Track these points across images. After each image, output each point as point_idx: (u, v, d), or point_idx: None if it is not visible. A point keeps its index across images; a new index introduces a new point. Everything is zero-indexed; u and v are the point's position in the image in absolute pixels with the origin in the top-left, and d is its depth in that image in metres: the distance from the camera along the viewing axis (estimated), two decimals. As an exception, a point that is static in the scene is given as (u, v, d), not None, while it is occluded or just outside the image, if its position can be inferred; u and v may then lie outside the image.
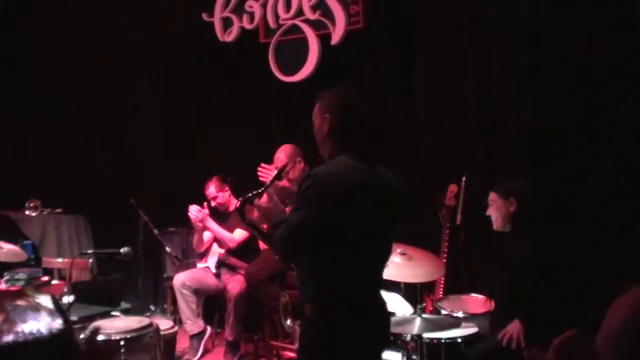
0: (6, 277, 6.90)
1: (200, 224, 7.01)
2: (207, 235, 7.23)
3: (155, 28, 8.71)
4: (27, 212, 8.73)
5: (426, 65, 6.86)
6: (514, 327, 4.64)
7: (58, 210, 8.99)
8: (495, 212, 4.99)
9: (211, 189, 7.20)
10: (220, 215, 7.24)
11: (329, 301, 3.30)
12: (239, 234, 6.95)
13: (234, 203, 7.06)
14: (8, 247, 6.54)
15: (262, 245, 6.38)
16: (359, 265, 3.33)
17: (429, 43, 6.84)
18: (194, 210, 6.90)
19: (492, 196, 5.02)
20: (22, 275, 6.94)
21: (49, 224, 8.74)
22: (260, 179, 4.94)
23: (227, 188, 7.23)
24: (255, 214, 5.25)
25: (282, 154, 6.22)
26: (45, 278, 7.23)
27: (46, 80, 9.22)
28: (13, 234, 8.12)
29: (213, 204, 7.22)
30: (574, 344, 2.61)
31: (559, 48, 6.06)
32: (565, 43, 6.02)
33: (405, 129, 6.89)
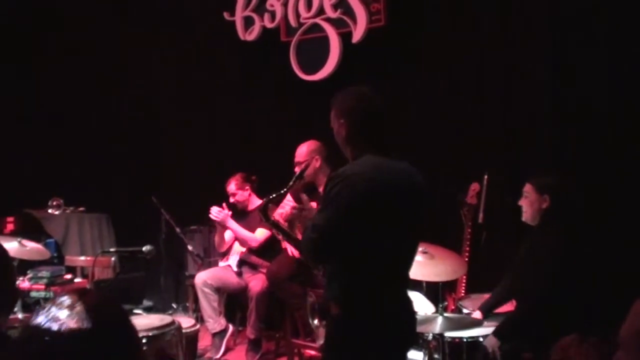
0: (29, 275, 6.95)
1: (221, 225, 7.02)
2: (228, 235, 7.23)
3: (177, 28, 8.74)
4: (50, 211, 8.78)
5: (447, 63, 6.84)
6: (489, 342, 4.62)
7: (81, 208, 9.04)
8: (528, 205, 4.92)
9: (232, 186, 7.20)
10: (239, 213, 7.25)
11: (354, 300, 3.28)
12: (261, 233, 6.94)
13: (254, 202, 7.09)
14: (31, 245, 6.58)
15: (284, 244, 6.38)
16: (385, 265, 3.31)
17: (450, 41, 6.83)
18: (214, 212, 6.90)
19: (527, 188, 4.94)
20: (45, 273, 6.98)
21: (72, 222, 8.79)
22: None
23: (248, 187, 7.22)
24: (275, 211, 5.29)
25: (305, 148, 6.20)
26: (68, 276, 7.27)
27: (69, 80, 9.27)
28: (36, 233, 8.19)
29: (231, 200, 7.24)
30: (577, 348, 2.60)
31: (580, 40, 6.05)
32: (586, 33, 6.01)
33: (426, 127, 6.88)
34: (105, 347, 1.71)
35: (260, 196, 7.12)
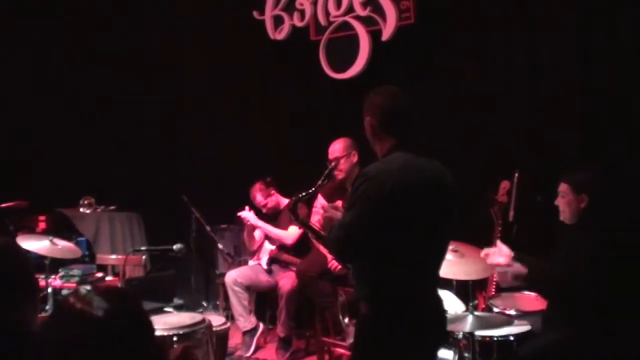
0: (61, 274, 7.02)
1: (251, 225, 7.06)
2: (258, 233, 7.26)
3: (207, 28, 8.76)
4: (81, 210, 8.84)
5: (477, 61, 6.81)
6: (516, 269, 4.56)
7: (112, 207, 9.07)
8: (565, 205, 4.74)
9: (258, 198, 7.25)
10: (271, 217, 7.28)
11: (383, 299, 3.29)
12: (294, 230, 6.94)
13: (283, 201, 7.11)
14: (63, 243, 6.61)
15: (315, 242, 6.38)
16: (413, 263, 3.30)
17: (479, 39, 6.79)
18: (243, 214, 6.97)
19: (563, 187, 4.76)
20: (76, 271, 7.06)
21: (103, 221, 8.83)
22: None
23: (272, 191, 7.25)
24: (304, 210, 5.29)
25: (340, 144, 6.21)
26: (99, 274, 7.33)
27: (100, 79, 9.33)
28: (68, 231, 8.24)
29: (264, 210, 7.28)
30: None
31: (610, 35, 6.00)
32: (617, 29, 5.96)
33: (456, 125, 6.85)
34: (113, 340, 1.78)
35: (286, 194, 7.14)
